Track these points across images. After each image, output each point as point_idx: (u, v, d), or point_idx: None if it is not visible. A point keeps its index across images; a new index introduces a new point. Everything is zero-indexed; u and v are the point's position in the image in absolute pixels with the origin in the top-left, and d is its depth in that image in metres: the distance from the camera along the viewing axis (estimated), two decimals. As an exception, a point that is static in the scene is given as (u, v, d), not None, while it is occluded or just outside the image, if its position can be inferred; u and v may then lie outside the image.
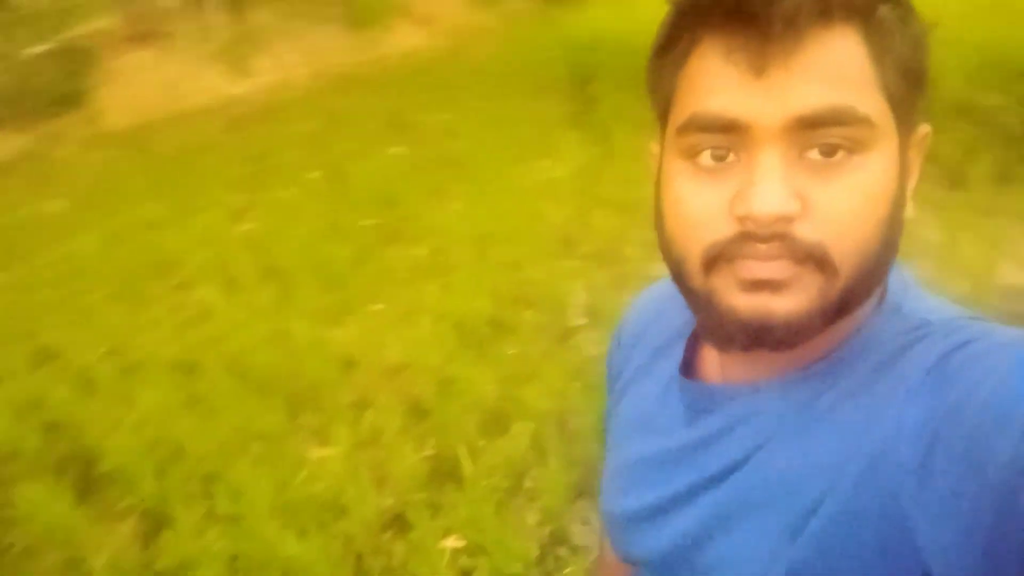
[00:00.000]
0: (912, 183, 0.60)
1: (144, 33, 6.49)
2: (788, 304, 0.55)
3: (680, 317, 0.77)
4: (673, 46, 0.58)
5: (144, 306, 4.01)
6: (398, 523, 2.45)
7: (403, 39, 7.74)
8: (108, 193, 5.23)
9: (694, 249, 0.58)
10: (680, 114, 0.57)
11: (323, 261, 4.18)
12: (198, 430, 2.91)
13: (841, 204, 0.53)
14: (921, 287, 0.64)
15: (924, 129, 0.61)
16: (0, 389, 3.41)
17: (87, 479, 2.80)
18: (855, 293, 0.56)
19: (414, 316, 3.57)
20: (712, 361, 0.71)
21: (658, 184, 0.63)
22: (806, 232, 0.53)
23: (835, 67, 0.52)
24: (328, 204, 4.81)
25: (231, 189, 5.03)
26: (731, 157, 0.56)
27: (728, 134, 0.55)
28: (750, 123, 0.53)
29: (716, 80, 0.55)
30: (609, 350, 0.89)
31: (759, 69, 0.53)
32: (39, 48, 6.09)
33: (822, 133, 0.53)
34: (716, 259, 0.56)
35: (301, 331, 3.52)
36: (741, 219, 0.54)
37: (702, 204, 0.57)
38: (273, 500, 2.52)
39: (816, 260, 0.54)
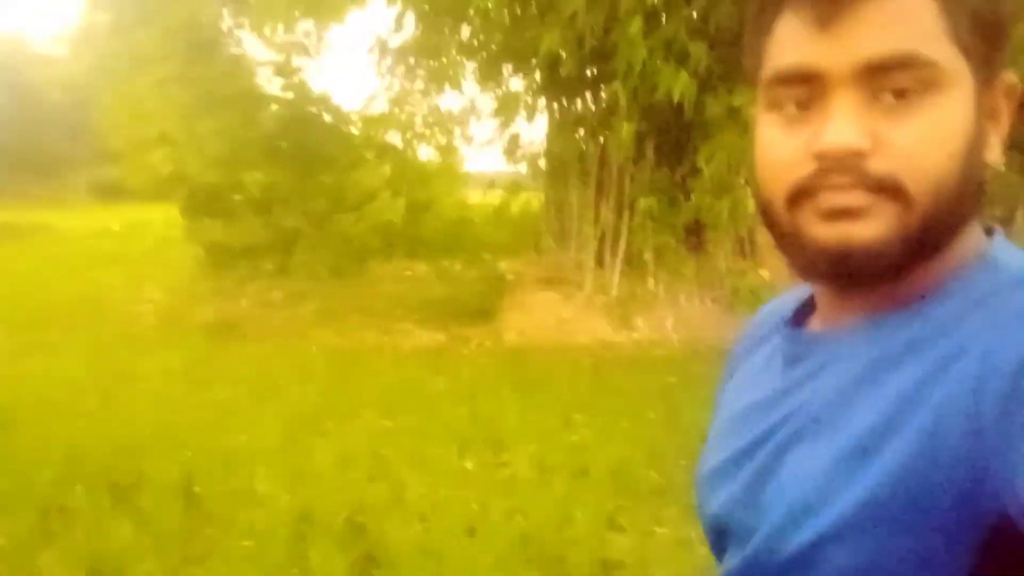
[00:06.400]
0: (1001, 130, 0.64)
1: (555, 279, 7.78)
2: (866, 231, 0.58)
3: (795, 304, 0.78)
4: (760, 18, 0.64)
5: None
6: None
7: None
8: (479, 382, 5.93)
9: (779, 189, 0.63)
10: (766, 73, 0.63)
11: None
12: None
13: (912, 139, 0.58)
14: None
15: (1010, 78, 0.64)
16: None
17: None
18: (935, 226, 0.59)
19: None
20: (819, 313, 0.72)
21: (754, 138, 0.67)
22: (879, 165, 0.58)
23: (900, 18, 0.57)
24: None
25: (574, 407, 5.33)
26: (813, 107, 0.60)
27: (805, 85, 0.60)
28: (821, 71, 0.59)
29: (792, 39, 0.61)
30: (733, 344, 0.89)
31: (825, 22, 0.58)
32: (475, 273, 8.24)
33: (891, 78, 0.58)
34: (798, 195, 0.61)
35: None
36: (817, 155, 0.59)
37: (786, 148, 0.62)
38: None
39: (890, 190, 0.58)
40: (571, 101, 7.46)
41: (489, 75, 7.48)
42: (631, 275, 7.39)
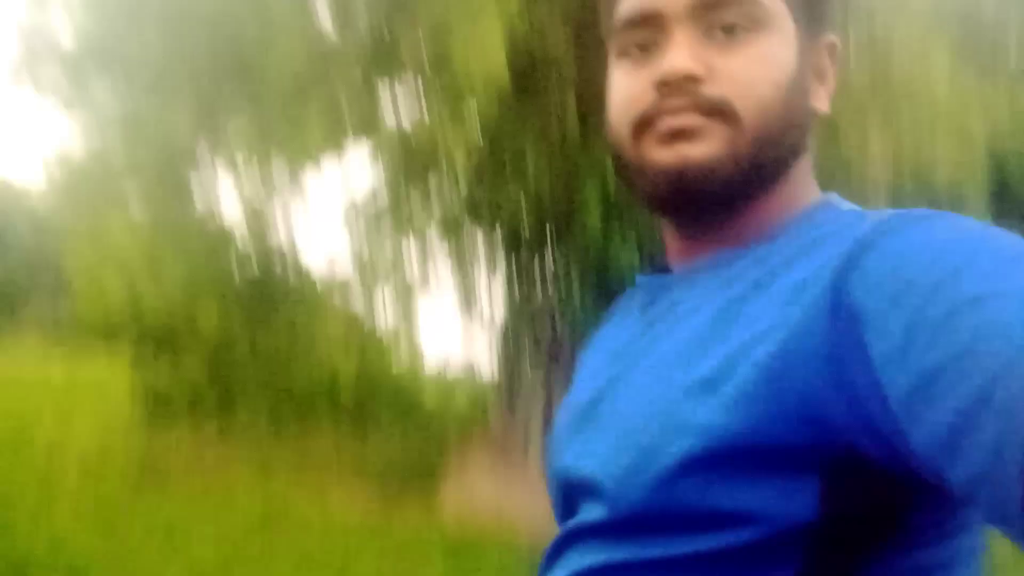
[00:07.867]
0: (826, 85, 0.72)
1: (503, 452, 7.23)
2: (701, 150, 0.64)
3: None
4: None
5: None
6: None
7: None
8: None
9: (626, 122, 0.69)
10: (615, 23, 0.70)
11: None
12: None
13: (741, 67, 0.65)
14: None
15: (831, 38, 0.72)
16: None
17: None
18: (763, 149, 0.65)
19: None
20: (670, 257, 0.76)
21: (609, 86, 0.73)
22: (712, 90, 0.65)
23: None
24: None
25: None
26: (654, 49, 0.67)
27: (647, 27, 0.67)
28: (659, 11, 0.66)
29: None
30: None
31: None
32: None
33: (720, 14, 0.65)
34: (642, 124, 0.67)
35: None
36: (657, 83, 0.66)
37: (632, 85, 0.69)
38: None
39: (722, 113, 0.64)
40: (530, 259, 7.46)
41: (451, 230, 7.52)
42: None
